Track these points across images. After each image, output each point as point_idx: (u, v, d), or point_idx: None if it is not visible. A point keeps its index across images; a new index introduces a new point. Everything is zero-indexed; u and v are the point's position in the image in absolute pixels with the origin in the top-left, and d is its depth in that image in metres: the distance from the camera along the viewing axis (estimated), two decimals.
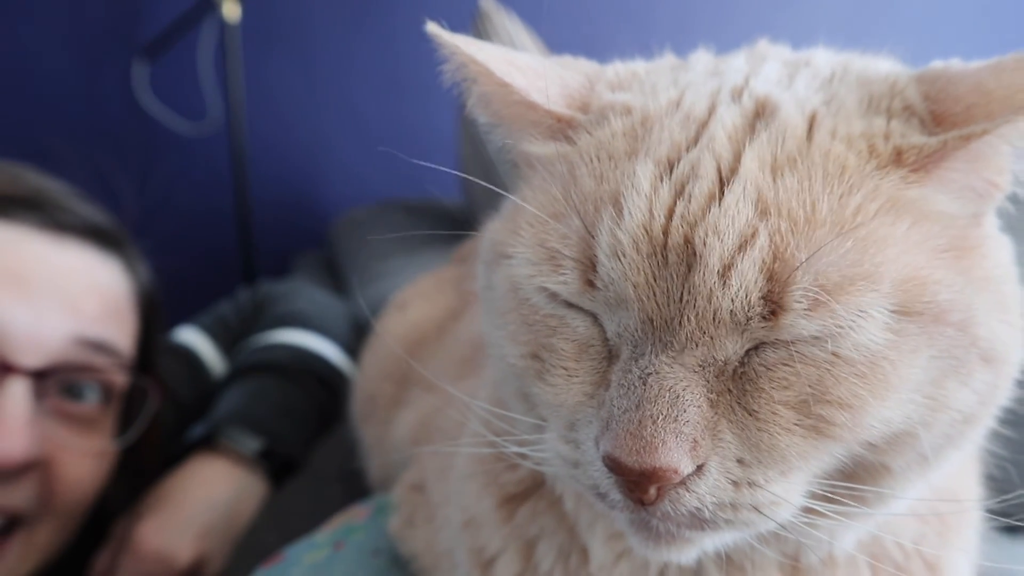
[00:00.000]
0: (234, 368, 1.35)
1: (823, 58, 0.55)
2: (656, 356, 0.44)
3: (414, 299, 1.12)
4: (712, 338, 0.44)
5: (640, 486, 0.44)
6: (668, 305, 0.44)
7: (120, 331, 1.04)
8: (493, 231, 0.56)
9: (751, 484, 0.45)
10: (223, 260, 2.32)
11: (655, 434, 0.43)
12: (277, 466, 1.20)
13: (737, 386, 0.45)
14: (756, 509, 0.45)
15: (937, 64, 0.51)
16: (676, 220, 0.44)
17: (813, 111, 0.47)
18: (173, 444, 1.22)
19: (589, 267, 0.46)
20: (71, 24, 2.21)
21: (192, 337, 1.45)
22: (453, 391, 0.68)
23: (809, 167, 0.44)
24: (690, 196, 0.44)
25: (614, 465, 0.44)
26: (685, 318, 0.44)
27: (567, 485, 0.57)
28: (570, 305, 0.49)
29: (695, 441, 0.43)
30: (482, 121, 0.58)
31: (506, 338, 0.52)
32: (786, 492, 0.46)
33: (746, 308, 0.43)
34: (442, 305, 1.04)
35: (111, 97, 2.25)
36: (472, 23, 1.77)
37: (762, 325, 0.43)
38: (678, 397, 0.43)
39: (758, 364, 0.44)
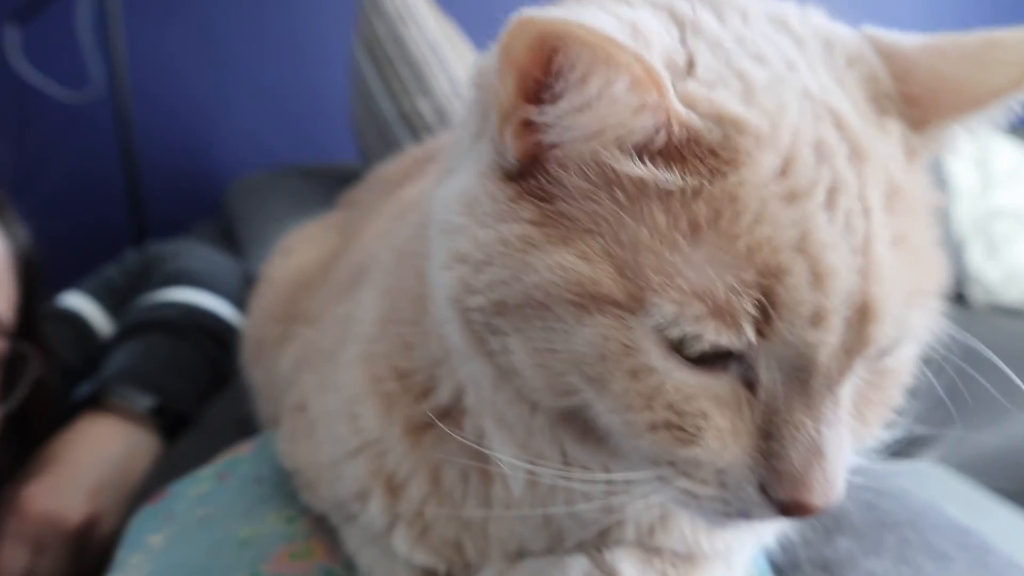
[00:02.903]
0: (121, 328, 1.32)
1: (792, 15, 0.54)
2: (823, 403, 0.46)
3: (299, 243, 1.12)
4: (857, 372, 0.47)
5: (811, 513, 0.47)
6: (842, 358, 0.45)
7: None
8: (560, 269, 0.46)
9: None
10: (114, 229, 2.25)
11: (835, 474, 0.46)
12: (170, 421, 1.19)
13: (851, 403, 0.49)
14: None
15: (878, 32, 0.54)
16: (858, 277, 0.44)
17: (858, 111, 0.49)
18: (61, 408, 1.19)
19: (766, 320, 0.44)
20: None
21: (78, 301, 1.41)
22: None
23: (895, 195, 0.47)
24: (856, 249, 0.44)
25: (797, 507, 0.46)
26: (851, 364, 0.46)
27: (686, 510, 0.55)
28: (708, 367, 0.46)
29: (847, 464, 0.48)
30: (574, 133, 0.47)
31: (614, 402, 0.47)
32: None
33: (889, 342, 0.47)
34: (326, 246, 1.04)
35: None
36: None
37: None
38: (841, 436, 0.47)
39: (861, 381, 0.49)
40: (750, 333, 0.44)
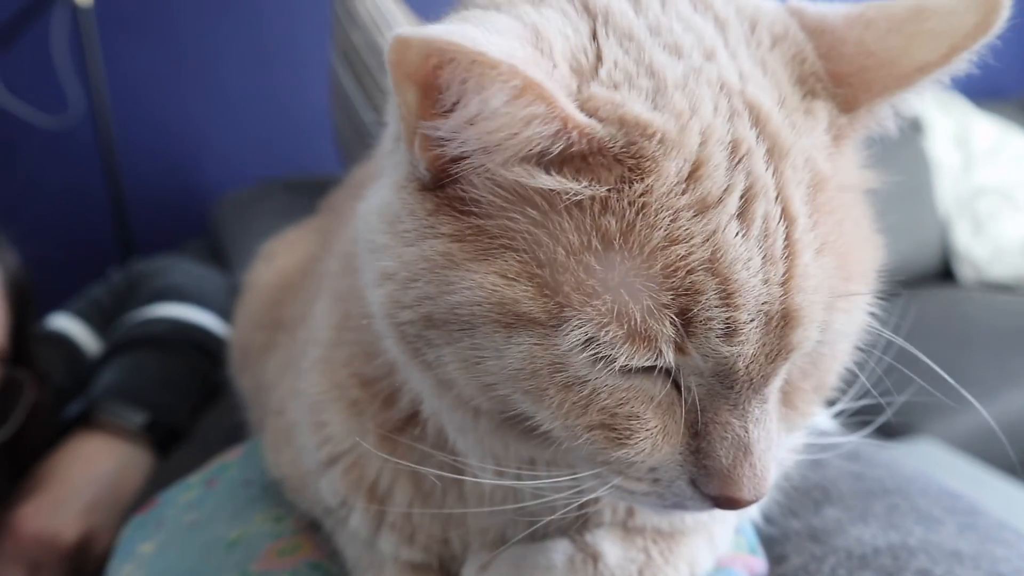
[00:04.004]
0: (109, 346, 1.32)
1: None
2: (750, 404, 0.47)
3: (280, 249, 1.12)
4: (782, 373, 0.48)
5: (742, 506, 0.48)
6: (765, 364, 0.46)
7: None
8: (479, 287, 0.46)
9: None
10: (101, 249, 2.25)
11: (764, 468, 0.47)
12: (162, 436, 1.19)
13: (780, 393, 0.51)
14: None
15: (805, 6, 0.53)
16: (775, 288, 0.44)
17: (781, 99, 0.48)
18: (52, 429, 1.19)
19: (681, 339, 0.44)
20: None
21: (65, 323, 1.41)
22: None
23: (818, 189, 0.47)
24: (774, 257, 0.44)
25: (728, 502, 0.48)
26: (775, 368, 0.46)
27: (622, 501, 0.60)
28: (637, 372, 0.46)
29: (777, 454, 0.50)
30: (466, 146, 0.46)
31: (551, 411, 0.47)
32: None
33: (813, 344, 0.47)
34: (306, 251, 1.04)
35: None
36: None
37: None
38: (769, 431, 0.48)
39: (792, 370, 0.51)
40: (668, 355, 0.44)
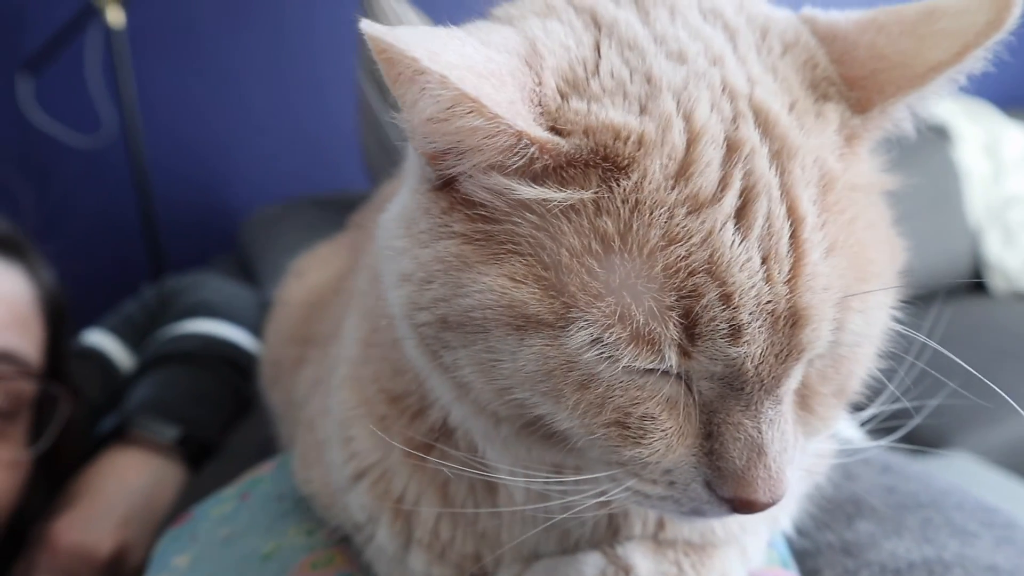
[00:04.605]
0: (143, 361, 1.34)
1: (727, 6, 0.54)
2: (762, 404, 0.47)
3: (311, 265, 1.13)
4: (795, 374, 0.48)
5: (758, 509, 0.48)
6: (775, 364, 0.46)
7: (25, 339, 1.03)
8: (488, 290, 0.47)
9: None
10: (132, 267, 2.28)
11: (779, 470, 0.47)
12: (194, 451, 1.20)
13: (797, 395, 0.51)
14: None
15: (816, 14, 0.54)
16: (779, 287, 0.44)
17: (792, 102, 0.49)
18: (87, 444, 1.21)
19: (687, 341, 0.45)
20: None
21: (99, 338, 1.43)
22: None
23: (829, 188, 0.47)
24: (779, 256, 0.44)
25: (742, 504, 0.48)
26: (786, 368, 0.46)
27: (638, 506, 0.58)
28: (651, 371, 0.47)
29: (794, 457, 0.49)
30: (431, 146, 0.48)
31: (569, 411, 0.48)
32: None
33: (826, 344, 0.47)
34: (338, 267, 1.06)
35: None
36: (359, 6, 1.78)
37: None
38: (784, 433, 0.48)
39: (807, 373, 0.50)
40: (672, 357, 0.45)
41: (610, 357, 0.45)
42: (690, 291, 0.43)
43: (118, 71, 2.04)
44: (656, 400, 0.47)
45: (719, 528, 0.62)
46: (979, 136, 2.75)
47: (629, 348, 0.44)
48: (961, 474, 1.59)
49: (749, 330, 0.44)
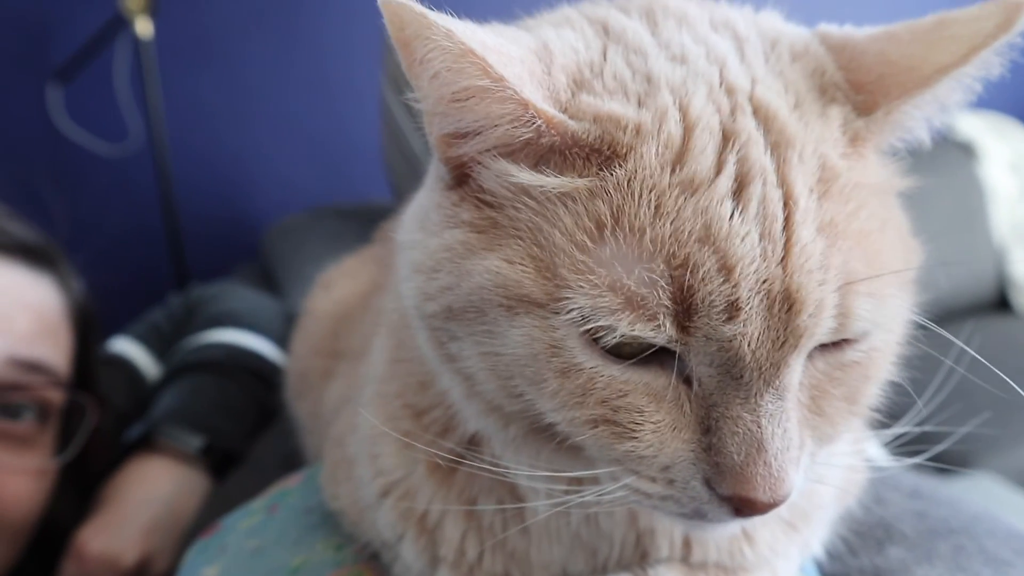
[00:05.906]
0: (168, 370, 1.35)
1: (740, 19, 0.55)
2: (762, 397, 0.46)
3: (339, 277, 1.14)
4: (795, 365, 0.47)
5: (759, 510, 0.47)
6: (772, 350, 0.45)
7: (54, 349, 1.04)
8: (479, 277, 0.49)
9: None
10: (157, 276, 2.30)
11: (781, 468, 0.46)
12: (219, 460, 1.21)
13: (806, 395, 0.50)
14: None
15: (831, 28, 0.55)
16: (774, 267, 0.44)
17: (797, 103, 0.50)
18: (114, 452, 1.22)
19: (683, 315, 0.45)
20: None
21: (126, 346, 1.44)
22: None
23: (829, 180, 0.48)
24: (773, 236, 0.45)
25: (743, 503, 0.47)
26: (783, 355, 0.46)
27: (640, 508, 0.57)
28: (637, 364, 0.47)
29: (799, 458, 0.48)
30: (443, 130, 0.51)
31: (551, 400, 0.49)
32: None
33: (828, 332, 0.46)
34: (365, 280, 1.06)
35: (26, 124, 2.22)
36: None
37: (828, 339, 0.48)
38: (786, 430, 0.47)
39: (817, 372, 0.50)
40: (669, 328, 0.45)
41: (604, 328, 0.45)
42: (683, 261, 0.44)
43: (146, 82, 2.07)
44: (642, 392, 0.47)
45: (749, 552, 0.61)
46: (1005, 153, 2.73)
47: (625, 315, 0.45)
48: (984, 495, 1.57)
49: (747, 308, 0.44)
